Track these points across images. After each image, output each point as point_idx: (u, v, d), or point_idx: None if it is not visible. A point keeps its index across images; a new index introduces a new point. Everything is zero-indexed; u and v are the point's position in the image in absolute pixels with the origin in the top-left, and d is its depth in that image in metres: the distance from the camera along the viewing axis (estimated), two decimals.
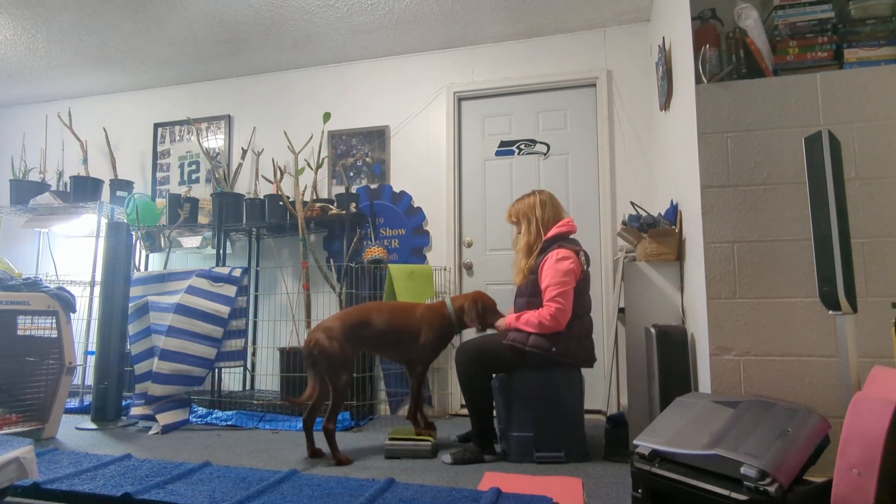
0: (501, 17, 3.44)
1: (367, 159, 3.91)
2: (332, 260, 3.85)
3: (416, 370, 2.61)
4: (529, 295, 2.50)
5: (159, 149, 4.39)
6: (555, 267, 2.40)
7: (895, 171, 1.98)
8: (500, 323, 2.56)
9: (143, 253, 4.04)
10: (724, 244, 2.08)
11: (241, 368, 3.68)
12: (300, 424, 3.09)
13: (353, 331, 2.49)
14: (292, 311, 3.77)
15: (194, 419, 3.28)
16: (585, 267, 2.46)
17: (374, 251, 3.52)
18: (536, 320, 2.39)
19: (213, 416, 3.28)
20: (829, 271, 1.60)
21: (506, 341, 2.46)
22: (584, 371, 2.52)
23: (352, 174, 3.93)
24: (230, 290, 3.34)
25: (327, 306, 3.74)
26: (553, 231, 2.50)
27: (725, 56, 2.21)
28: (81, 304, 3.61)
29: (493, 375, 2.59)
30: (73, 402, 3.60)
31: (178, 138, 4.36)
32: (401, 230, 3.78)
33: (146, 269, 4.06)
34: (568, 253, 2.41)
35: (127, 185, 4.12)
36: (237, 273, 3.38)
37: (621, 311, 2.73)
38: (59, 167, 4.41)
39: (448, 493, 1.79)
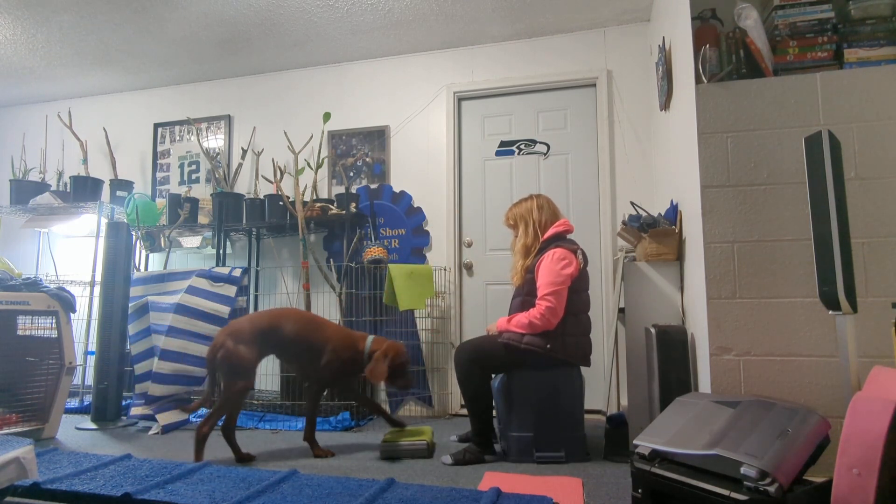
0: (501, 17, 3.44)
1: (367, 159, 3.91)
2: (332, 260, 3.85)
3: (312, 389, 2.54)
4: (526, 294, 2.51)
5: (159, 149, 4.39)
6: (551, 267, 2.41)
7: (895, 171, 1.98)
8: (492, 327, 2.58)
9: (143, 253, 4.04)
10: (724, 244, 2.08)
11: None
12: (300, 424, 3.10)
13: (261, 335, 2.43)
14: None
15: (194, 419, 3.28)
16: (583, 266, 2.47)
17: (374, 251, 3.52)
18: (527, 320, 2.41)
19: None
20: (829, 271, 1.60)
21: (501, 340, 2.48)
22: (584, 371, 2.52)
23: (352, 174, 3.93)
24: (230, 290, 3.34)
25: (327, 306, 3.74)
26: (551, 231, 2.52)
27: (725, 56, 2.21)
28: (81, 304, 3.61)
29: (493, 375, 2.59)
30: (73, 402, 3.60)
31: (178, 138, 4.36)
32: (401, 230, 3.78)
33: (146, 269, 4.06)
34: (566, 254, 2.42)
35: (127, 185, 4.12)
36: (237, 273, 3.38)
37: (621, 311, 2.73)
38: (59, 167, 4.41)
39: (448, 493, 1.79)
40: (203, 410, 3.33)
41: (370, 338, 2.56)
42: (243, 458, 2.43)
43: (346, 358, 2.50)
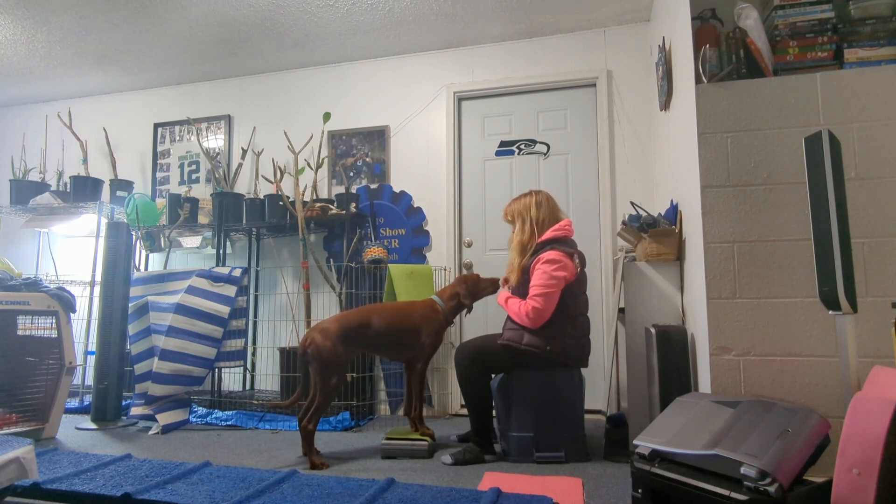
0: (501, 17, 3.44)
1: (367, 159, 3.91)
2: (332, 260, 3.85)
3: (418, 368, 2.64)
4: (521, 296, 2.51)
5: (159, 149, 4.39)
6: (544, 268, 2.40)
7: (895, 171, 1.98)
8: (500, 295, 2.62)
9: (143, 253, 4.04)
10: (724, 244, 2.08)
11: (241, 368, 3.68)
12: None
13: (350, 332, 2.48)
14: (292, 311, 3.77)
15: (194, 419, 3.28)
16: (580, 269, 2.47)
17: (374, 251, 3.52)
18: (517, 308, 2.44)
19: (213, 416, 3.28)
20: (829, 271, 1.60)
21: (500, 341, 2.48)
22: (584, 371, 2.52)
23: (352, 174, 3.93)
24: (230, 290, 3.34)
25: (327, 306, 3.74)
26: (548, 234, 2.49)
27: (725, 56, 2.21)
28: (81, 304, 3.61)
29: (493, 375, 2.59)
30: (73, 402, 3.60)
31: (178, 138, 4.36)
32: (401, 230, 3.78)
33: (146, 269, 4.06)
34: (559, 256, 2.40)
35: (127, 185, 4.12)
36: (237, 273, 3.38)
37: (621, 311, 2.73)
38: (59, 167, 4.41)
39: (448, 493, 1.79)
40: (202, 410, 3.34)
41: (435, 298, 2.73)
42: (315, 465, 2.31)
43: (439, 327, 2.66)
